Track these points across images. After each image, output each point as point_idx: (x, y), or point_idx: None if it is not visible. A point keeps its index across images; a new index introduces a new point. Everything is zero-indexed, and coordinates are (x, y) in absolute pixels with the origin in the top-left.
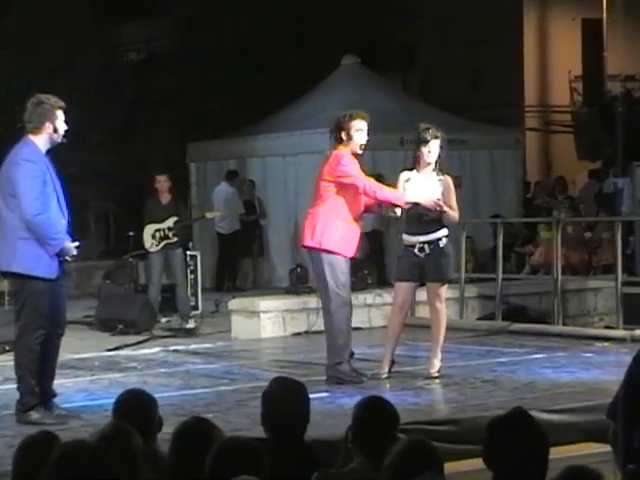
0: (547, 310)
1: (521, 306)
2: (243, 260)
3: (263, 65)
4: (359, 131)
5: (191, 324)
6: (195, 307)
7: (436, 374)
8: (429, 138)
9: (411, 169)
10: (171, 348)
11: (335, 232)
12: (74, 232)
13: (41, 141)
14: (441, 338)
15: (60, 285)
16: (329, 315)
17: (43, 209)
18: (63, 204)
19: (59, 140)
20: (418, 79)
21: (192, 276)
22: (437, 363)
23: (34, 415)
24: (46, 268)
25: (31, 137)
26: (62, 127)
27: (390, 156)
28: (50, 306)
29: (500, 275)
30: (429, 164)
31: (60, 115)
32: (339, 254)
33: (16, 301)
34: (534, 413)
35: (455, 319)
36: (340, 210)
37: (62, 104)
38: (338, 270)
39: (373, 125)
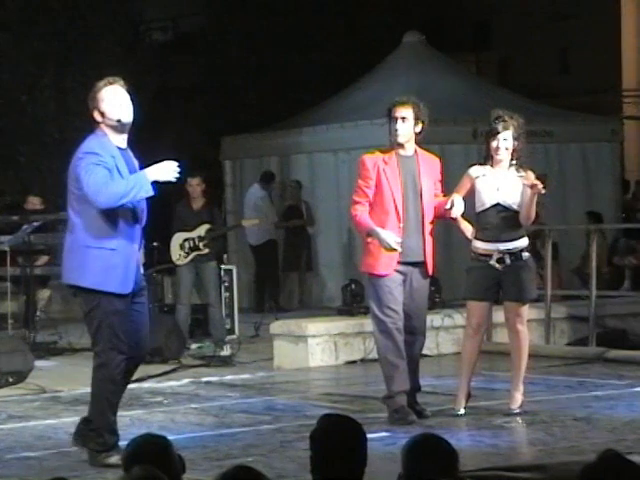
0: None
1: (620, 329)
2: (288, 275)
3: (310, 47)
4: (395, 120)
5: (226, 351)
6: (231, 331)
7: (518, 410)
8: (500, 129)
9: (483, 165)
10: (203, 380)
11: (365, 249)
12: None
13: (108, 132)
14: (523, 367)
15: (137, 302)
16: (375, 341)
17: (105, 185)
18: (140, 207)
19: (114, 122)
20: (495, 60)
21: (227, 294)
22: (519, 397)
23: (114, 457)
24: (119, 283)
25: (99, 129)
26: (111, 108)
27: (462, 151)
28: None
29: (594, 292)
30: (501, 161)
31: (104, 96)
32: (375, 274)
33: (89, 323)
34: (637, 458)
35: (540, 344)
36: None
37: (106, 81)
38: (380, 291)
39: (441, 115)
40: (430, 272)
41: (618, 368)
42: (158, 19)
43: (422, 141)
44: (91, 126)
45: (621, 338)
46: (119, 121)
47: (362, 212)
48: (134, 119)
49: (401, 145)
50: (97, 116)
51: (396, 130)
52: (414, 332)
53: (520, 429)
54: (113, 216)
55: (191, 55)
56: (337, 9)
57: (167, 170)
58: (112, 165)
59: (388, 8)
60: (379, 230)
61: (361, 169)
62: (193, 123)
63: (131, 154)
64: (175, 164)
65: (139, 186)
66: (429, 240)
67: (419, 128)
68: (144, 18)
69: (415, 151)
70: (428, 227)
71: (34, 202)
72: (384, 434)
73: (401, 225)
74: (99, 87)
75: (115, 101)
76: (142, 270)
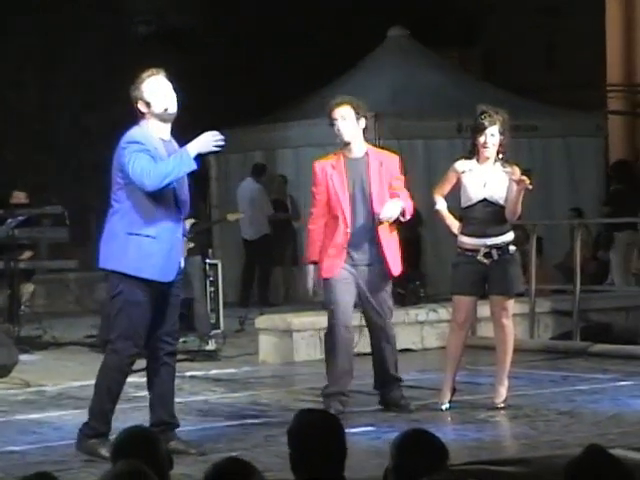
0: (635, 328)
1: (604, 323)
2: (273, 269)
3: (296, 41)
4: (335, 121)
5: (211, 345)
6: (216, 325)
7: (502, 404)
8: (486, 124)
9: (469, 159)
10: (187, 374)
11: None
12: (75, 238)
13: (150, 123)
14: (508, 361)
15: (174, 294)
16: None
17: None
18: (182, 198)
19: (162, 111)
20: (479, 55)
21: (212, 289)
22: (503, 391)
23: (104, 449)
24: (158, 270)
25: (142, 120)
26: (156, 98)
27: (446, 146)
28: (157, 318)
29: (578, 286)
30: (488, 156)
31: (148, 86)
32: (322, 277)
33: (111, 309)
34: (620, 452)
35: (524, 339)
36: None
37: (150, 72)
38: (326, 291)
39: (426, 109)
40: (393, 272)
41: (602, 362)
42: (142, 12)
43: (406, 136)
44: (78, 119)
45: (605, 332)
46: (166, 110)
47: (314, 231)
48: (117, 114)
49: (349, 145)
50: (142, 107)
51: (339, 130)
52: (377, 329)
53: (504, 423)
54: (155, 205)
55: (176, 50)
56: (321, 4)
57: (208, 141)
58: (155, 155)
59: (379, 5)
60: (310, 269)
61: (313, 176)
62: (178, 117)
63: (175, 145)
64: (215, 133)
65: (180, 162)
66: (388, 241)
67: (363, 123)
68: (130, 12)
69: (366, 152)
70: (385, 229)
71: (19, 197)
72: (369, 428)
73: (348, 230)
74: (143, 78)
75: (160, 91)
76: (183, 263)
